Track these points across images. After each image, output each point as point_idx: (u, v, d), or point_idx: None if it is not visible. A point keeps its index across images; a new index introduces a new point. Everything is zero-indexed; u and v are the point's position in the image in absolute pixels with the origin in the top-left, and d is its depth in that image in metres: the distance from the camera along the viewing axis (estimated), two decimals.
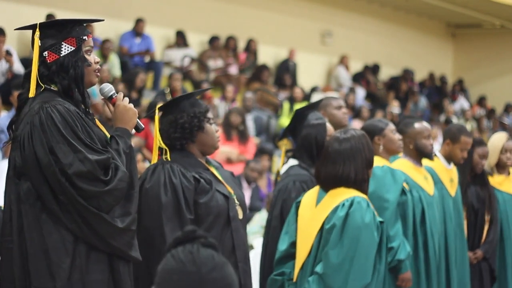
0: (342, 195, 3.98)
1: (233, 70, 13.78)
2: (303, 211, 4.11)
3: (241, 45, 14.52)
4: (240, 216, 3.94)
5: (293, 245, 4.11)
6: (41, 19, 10.89)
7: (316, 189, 4.15)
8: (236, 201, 3.94)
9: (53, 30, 3.27)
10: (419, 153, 5.31)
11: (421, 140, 5.28)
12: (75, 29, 3.28)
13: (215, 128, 3.98)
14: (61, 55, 3.25)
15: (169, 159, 3.89)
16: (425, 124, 5.38)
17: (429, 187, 5.32)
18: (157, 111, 3.92)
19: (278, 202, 4.68)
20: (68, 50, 3.26)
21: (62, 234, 3.15)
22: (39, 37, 3.25)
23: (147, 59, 12.55)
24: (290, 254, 4.13)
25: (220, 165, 4.14)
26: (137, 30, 12.44)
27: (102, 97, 3.43)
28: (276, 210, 4.66)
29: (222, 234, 3.84)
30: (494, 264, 6.01)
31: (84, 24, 3.38)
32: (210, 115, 3.97)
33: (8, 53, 9.18)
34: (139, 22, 12.44)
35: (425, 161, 5.42)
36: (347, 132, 4.08)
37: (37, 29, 3.25)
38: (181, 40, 13.36)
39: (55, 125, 3.14)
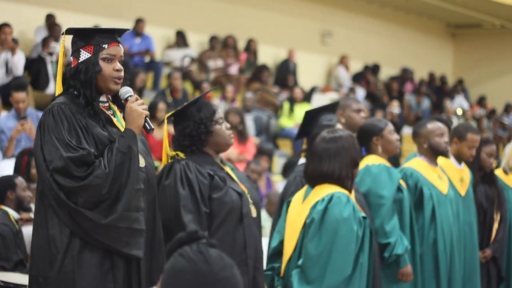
0: (324, 190, 4.14)
1: (233, 70, 13.78)
2: (291, 209, 4.29)
3: (241, 45, 14.52)
4: (254, 214, 4.06)
5: (282, 242, 4.30)
6: (41, 19, 10.90)
7: (305, 187, 4.32)
8: (250, 200, 4.05)
9: (76, 37, 3.51)
10: (434, 152, 5.40)
11: (434, 139, 5.37)
12: (95, 37, 3.49)
13: (226, 126, 4.11)
14: (79, 60, 3.48)
15: (183, 157, 4.02)
16: (438, 123, 5.47)
17: (443, 186, 5.41)
18: (166, 120, 4.05)
19: (279, 198, 4.88)
20: (85, 57, 3.47)
21: (61, 227, 3.36)
22: (66, 43, 3.52)
23: (147, 59, 12.55)
24: (279, 251, 4.31)
25: (235, 167, 4.26)
26: (137, 30, 12.44)
27: (121, 99, 3.58)
28: (277, 206, 4.88)
29: (235, 230, 3.96)
30: (502, 264, 6.03)
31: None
32: (218, 115, 4.10)
33: (14, 41, 9.20)
34: (139, 22, 12.44)
35: (440, 160, 5.48)
36: (335, 132, 4.24)
37: (63, 36, 3.52)
38: (181, 40, 13.36)
39: (48, 126, 3.38)
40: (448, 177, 5.61)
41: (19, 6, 11.39)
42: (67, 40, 3.55)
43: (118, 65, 3.49)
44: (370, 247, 4.16)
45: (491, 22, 19.28)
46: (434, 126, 5.40)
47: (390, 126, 5.21)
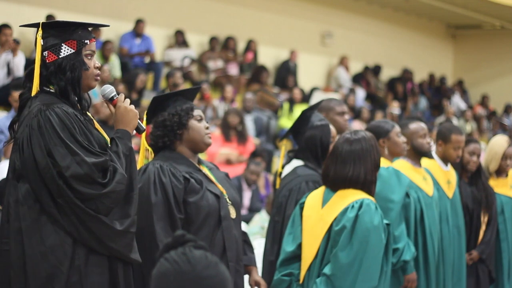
0: (351, 196, 3.98)
1: (233, 71, 13.79)
2: (308, 212, 4.10)
3: (241, 46, 14.53)
4: (233, 215, 3.92)
5: (299, 246, 4.11)
6: (41, 19, 10.83)
7: (321, 190, 4.14)
8: (228, 201, 3.93)
9: (55, 30, 3.27)
10: (417, 153, 5.33)
11: (417, 140, 5.30)
12: (77, 32, 3.29)
13: (204, 125, 3.95)
14: (60, 56, 3.26)
15: (152, 159, 3.89)
16: (420, 124, 5.39)
17: (428, 188, 5.33)
18: (145, 116, 3.93)
19: (291, 202, 4.64)
20: (67, 52, 3.27)
21: (61, 236, 3.15)
22: (41, 36, 3.26)
23: (147, 60, 12.55)
24: (296, 256, 4.12)
25: (215, 166, 4.12)
26: (137, 31, 12.45)
27: (103, 99, 3.44)
28: (289, 210, 4.61)
29: (213, 233, 3.83)
30: (492, 265, 5.98)
31: (90, 28, 3.39)
32: (197, 112, 3.94)
33: (15, 41, 9.21)
34: (139, 22, 12.45)
35: (423, 162, 5.42)
36: (357, 133, 4.08)
37: (40, 29, 3.26)
38: (181, 41, 13.37)
39: (53, 127, 3.16)
40: (435, 179, 5.54)
41: (19, 7, 11.40)
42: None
43: (97, 62, 3.36)
44: (392, 254, 4.05)
45: (491, 23, 19.28)
46: (416, 126, 5.32)
47: (397, 128, 5.13)
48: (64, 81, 3.26)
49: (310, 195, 4.18)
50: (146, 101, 11.11)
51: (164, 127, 3.90)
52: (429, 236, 5.20)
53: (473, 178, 5.97)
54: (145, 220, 3.69)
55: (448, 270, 5.39)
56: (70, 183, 3.11)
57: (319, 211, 4.04)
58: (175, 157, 3.90)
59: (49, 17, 10.86)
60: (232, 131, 10.34)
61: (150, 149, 3.91)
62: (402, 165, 5.32)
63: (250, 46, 14.53)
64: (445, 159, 5.69)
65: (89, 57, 3.32)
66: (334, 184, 4.04)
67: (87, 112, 3.41)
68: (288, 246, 4.15)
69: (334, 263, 3.89)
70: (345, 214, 3.92)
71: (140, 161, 3.93)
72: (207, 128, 3.96)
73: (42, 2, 11.60)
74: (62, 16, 11.10)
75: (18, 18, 10.95)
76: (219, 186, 3.94)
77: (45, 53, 3.26)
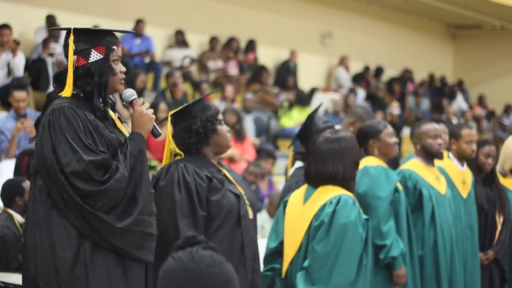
0: (329, 192, 4.14)
1: (233, 71, 13.79)
2: (290, 210, 4.27)
3: (241, 46, 14.53)
4: (251, 216, 4.05)
5: (282, 243, 4.27)
6: (41, 19, 10.90)
7: (303, 188, 4.30)
8: (247, 201, 4.05)
9: (85, 36, 3.42)
10: (426, 153, 5.39)
11: (427, 140, 5.37)
12: (106, 38, 3.44)
13: (226, 129, 4.12)
14: (89, 61, 3.41)
15: (176, 159, 4.01)
16: (434, 124, 5.46)
17: (441, 187, 5.40)
18: (169, 117, 4.06)
19: (279, 201, 4.78)
20: (96, 58, 3.42)
21: (68, 230, 3.30)
22: (73, 41, 3.40)
23: (147, 60, 12.55)
24: (279, 252, 4.29)
25: (231, 169, 4.25)
26: (137, 31, 12.44)
27: (124, 101, 3.58)
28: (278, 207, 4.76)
29: (233, 231, 3.95)
30: (505, 265, 6.02)
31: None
32: (220, 116, 4.10)
33: (15, 42, 9.20)
34: (139, 23, 12.45)
35: (437, 162, 5.47)
36: (337, 132, 4.26)
37: (71, 33, 3.41)
38: (181, 41, 13.37)
39: (60, 126, 3.31)
40: (450, 178, 5.61)
41: (19, 7, 11.39)
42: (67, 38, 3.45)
43: (122, 66, 3.50)
44: (373, 249, 4.17)
45: (491, 23, 19.30)
46: (428, 127, 5.39)
47: (389, 129, 5.16)
48: (91, 85, 3.41)
49: (293, 193, 4.35)
50: (146, 101, 11.09)
51: (197, 134, 4.01)
52: (440, 234, 5.27)
53: (487, 179, 6.03)
54: (169, 217, 3.83)
55: (458, 269, 5.40)
56: (70, 179, 3.26)
57: (301, 208, 4.21)
58: (199, 159, 4.02)
59: (49, 17, 10.86)
60: (230, 130, 10.33)
61: (182, 153, 4.02)
62: (415, 164, 5.42)
63: (251, 46, 14.53)
64: (460, 158, 5.78)
65: (116, 62, 3.47)
66: (315, 181, 4.21)
67: (111, 112, 3.54)
68: (271, 243, 4.34)
69: (311, 255, 4.05)
70: (324, 209, 4.09)
71: (165, 161, 4.06)
72: (228, 131, 4.13)
73: (42, 2, 11.59)
74: (62, 16, 11.09)
75: (18, 18, 10.95)
76: (238, 187, 4.07)
77: (75, 57, 3.41)
